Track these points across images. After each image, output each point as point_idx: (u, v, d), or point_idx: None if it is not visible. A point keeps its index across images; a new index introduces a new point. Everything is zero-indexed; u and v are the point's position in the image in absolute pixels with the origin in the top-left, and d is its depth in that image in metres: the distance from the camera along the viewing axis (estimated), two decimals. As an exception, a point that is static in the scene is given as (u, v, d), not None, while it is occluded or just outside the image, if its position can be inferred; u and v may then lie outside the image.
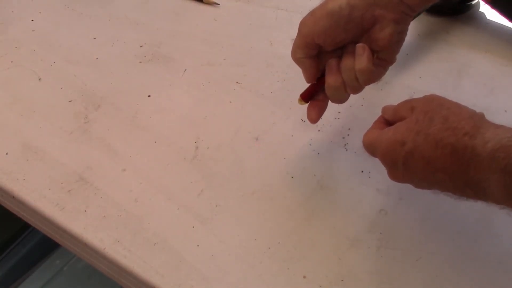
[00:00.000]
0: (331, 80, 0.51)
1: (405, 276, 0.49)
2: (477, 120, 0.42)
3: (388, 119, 0.49)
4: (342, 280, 0.49)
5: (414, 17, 0.53)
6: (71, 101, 0.64)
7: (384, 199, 0.54)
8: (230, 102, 0.64)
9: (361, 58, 0.50)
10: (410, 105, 0.46)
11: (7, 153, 0.59)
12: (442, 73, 0.66)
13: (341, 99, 0.53)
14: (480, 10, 0.74)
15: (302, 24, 0.51)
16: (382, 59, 0.52)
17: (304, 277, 0.49)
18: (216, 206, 0.54)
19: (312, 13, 0.51)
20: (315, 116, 0.54)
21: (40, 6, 0.76)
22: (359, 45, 0.50)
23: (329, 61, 0.51)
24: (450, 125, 0.42)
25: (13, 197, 0.56)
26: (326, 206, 0.54)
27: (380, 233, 0.52)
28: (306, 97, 0.53)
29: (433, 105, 0.44)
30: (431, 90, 0.63)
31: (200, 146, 0.59)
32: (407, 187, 0.55)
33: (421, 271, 0.49)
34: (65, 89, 0.65)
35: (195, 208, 0.54)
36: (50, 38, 0.72)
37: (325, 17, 0.49)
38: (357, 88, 0.51)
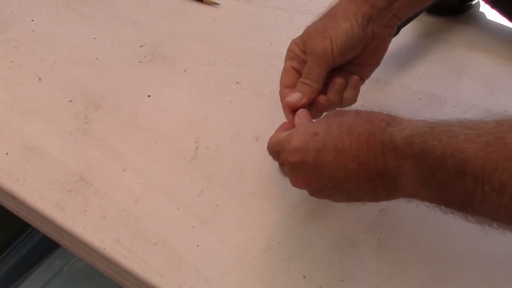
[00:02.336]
0: (324, 99, 0.51)
1: (405, 276, 0.49)
2: (391, 115, 0.41)
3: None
4: (342, 280, 0.49)
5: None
6: (71, 101, 0.64)
7: (384, 199, 0.54)
8: (230, 102, 0.64)
9: (353, 90, 0.50)
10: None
11: (7, 153, 0.59)
12: (442, 73, 0.66)
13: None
14: (480, 10, 0.74)
15: (317, 44, 0.49)
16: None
17: (304, 277, 0.49)
18: (216, 206, 0.54)
19: (322, 33, 0.49)
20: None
21: (40, 6, 0.76)
22: (354, 77, 0.51)
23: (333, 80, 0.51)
24: (364, 117, 0.41)
25: (13, 197, 0.56)
26: (326, 206, 0.54)
27: (380, 233, 0.52)
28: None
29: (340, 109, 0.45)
30: (431, 90, 0.64)
31: (200, 146, 0.59)
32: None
33: (421, 271, 0.49)
34: (65, 89, 0.65)
35: (195, 208, 0.54)
36: (50, 38, 0.72)
37: (340, 36, 0.48)
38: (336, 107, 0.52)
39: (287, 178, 0.47)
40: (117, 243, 0.51)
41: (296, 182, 0.45)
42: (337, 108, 0.50)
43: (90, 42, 0.72)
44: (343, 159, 0.41)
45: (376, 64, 0.53)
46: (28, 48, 0.71)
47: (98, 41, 0.72)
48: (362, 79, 0.53)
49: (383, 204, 0.54)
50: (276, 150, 0.47)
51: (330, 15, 0.51)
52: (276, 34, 0.72)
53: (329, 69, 0.50)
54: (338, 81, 0.50)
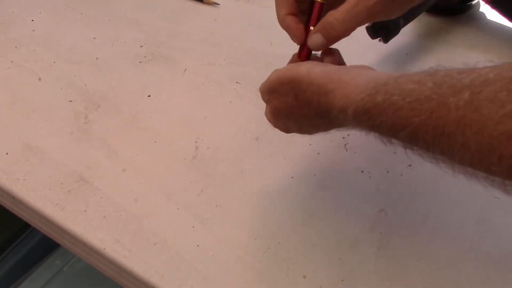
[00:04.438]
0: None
1: (405, 276, 0.49)
2: (326, 80, 0.42)
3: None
4: (342, 280, 0.49)
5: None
6: (71, 101, 0.64)
7: (384, 199, 0.54)
8: (230, 102, 0.64)
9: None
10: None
11: (7, 153, 0.59)
12: (442, 73, 0.66)
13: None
14: (480, 10, 0.74)
15: None
16: None
17: (304, 277, 0.49)
18: (216, 206, 0.54)
19: None
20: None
21: (40, 6, 0.76)
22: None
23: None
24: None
25: (13, 197, 0.56)
26: (326, 206, 0.54)
27: (380, 233, 0.52)
28: (304, 56, 0.49)
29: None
30: (431, 90, 0.64)
31: (200, 146, 0.59)
32: (407, 187, 0.55)
33: (421, 271, 0.49)
34: (65, 89, 0.65)
35: (195, 208, 0.54)
36: (50, 38, 0.72)
37: None
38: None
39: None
40: (117, 243, 0.51)
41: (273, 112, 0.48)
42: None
43: (90, 42, 0.72)
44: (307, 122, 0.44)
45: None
46: (28, 48, 0.71)
47: (98, 41, 0.72)
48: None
49: (383, 204, 0.54)
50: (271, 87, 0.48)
51: None
52: (276, 34, 0.71)
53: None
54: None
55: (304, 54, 0.49)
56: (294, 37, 0.50)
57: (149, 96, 0.64)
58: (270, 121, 0.49)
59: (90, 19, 0.75)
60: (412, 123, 0.34)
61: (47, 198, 0.55)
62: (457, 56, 0.68)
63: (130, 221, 0.53)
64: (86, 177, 0.56)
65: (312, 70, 0.43)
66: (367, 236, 0.51)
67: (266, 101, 0.49)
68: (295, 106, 0.44)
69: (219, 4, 0.76)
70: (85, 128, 0.61)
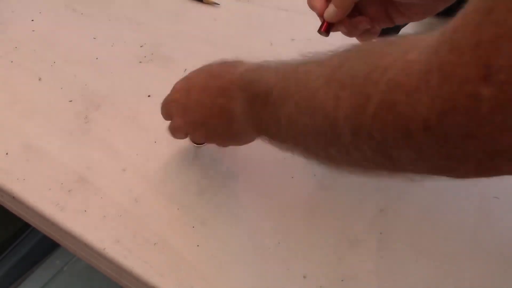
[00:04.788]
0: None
1: (405, 276, 0.49)
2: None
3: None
4: (342, 280, 0.49)
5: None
6: (71, 101, 0.64)
7: (384, 199, 0.54)
8: (230, 102, 0.63)
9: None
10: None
11: (7, 153, 0.59)
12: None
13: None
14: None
15: None
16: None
17: (304, 277, 0.49)
18: (216, 206, 0.54)
19: None
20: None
21: (40, 6, 0.76)
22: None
23: None
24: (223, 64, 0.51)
25: (13, 197, 0.56)
26: (326, 206, 0.54)
27: (380, 233, 0.52)
28: (324, 29, 0.51)
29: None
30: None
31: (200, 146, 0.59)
32: (407, 187, 0.55)
33: (421, 270, 0.49)
34: (65, 89, 0.65)
35: (195, 208, 0.54)
36: (50, 38, 0.72)
37: None
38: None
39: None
40: (117, 243, 0.51)
41: (174, 118, 0.53)
42: None
43: (90, 42, 0.72)
44: (205, 97, 0.49)
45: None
46: (28, 48, 0.71)
47: (98, 41, 0.72)
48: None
49: (383, 204, 0.54)
50: (166, 111, 0.55)
51: None
52: (276, 34, 0.72)
53: None
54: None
55: (324, 27, 0.51)
56: (313, 8, 0.51)
57: (149, 96, 0.64)
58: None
59: (90, 19, 0.75)
60: (269, 82, 0.41)
61: (47, 198, 0.55)
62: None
63: (130, 221, 0.53)
64: (86, 177, 0.56)
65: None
66: (367, 236, 0.51)
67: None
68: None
69: (219, 4, 0.76)
70: (85, 128, 0.61)
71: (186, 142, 0.59)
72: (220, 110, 0.48)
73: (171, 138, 0.60)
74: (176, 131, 0.54)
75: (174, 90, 0.53)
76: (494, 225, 0.52)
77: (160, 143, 0.60)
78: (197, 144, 0.57)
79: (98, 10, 0.76)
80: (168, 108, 0.53)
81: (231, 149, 0.59)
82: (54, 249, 1.09)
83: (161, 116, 0.62)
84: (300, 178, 0.56)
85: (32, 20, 0.74)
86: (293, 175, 0.56)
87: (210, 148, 0.59)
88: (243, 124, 0.46)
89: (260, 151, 0.58)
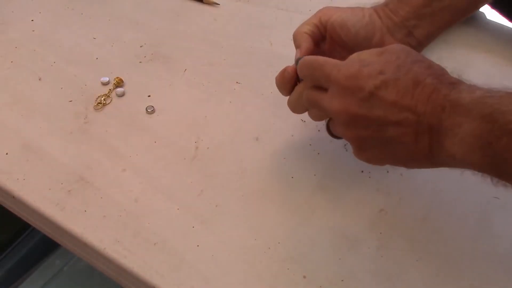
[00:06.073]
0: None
1: (405, 276, 0.49)
2: (454, 75, 0.41)
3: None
4: (342, 280, 0.49)
5: None
6: (71, 101, 0.64)
7: (384, 199, 0.54)
8: (230, 102, 0.64)
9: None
10: (378, 51, 0.43)
11: (7, 153, 0.59)
12: (442, 73, 0.66)
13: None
14: (480, 10, 0.74)
15: (323, 9, 0.52)
16: None
17: (304, 277, 0.49)
18: (216, 206, 0.54)
19: (336, 6, 0.52)
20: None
21: (40, 6, 0.76)
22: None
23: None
24: (435, 71, 0.40)
25: (13, 197, 0.56)
26: (326, 206, 0.54)
27: (380, 233, 0.52)
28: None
29: (406, 51, 0.42)
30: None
31: (200, 146, 0.59)
32: (407, 187, 0.55)
33: (421, 271, 0.49)
34: (65, 89, 0.65)
35: (195, 208, 0.54)
36: (50, 38, 0.72)
37: (348, 12, 0.51)
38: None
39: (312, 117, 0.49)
40: (117, 243, 0.51)
41: (341, 105, 0.42)
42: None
43: (90, 42, 0.72)
44: (401, 104, 0.40)
45: None
46: (28, 48, 0.71)
47: (98, 41, 0.72)
48: None
49: (383, 204, 0.54)
50: (317, 74, 0.44)
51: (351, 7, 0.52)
52: (276, 34, 0.72)
53: (323, 30, 0.51)
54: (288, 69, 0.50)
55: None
56: (303, 47, 0.51)
57: (149, 96, 0.64)
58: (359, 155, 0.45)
59: (90, 19, 0.75)
60: None
61: (47, 198, 0.55)
62: (457, 56, 0.68)
63: (130, 221, 0.53)
64: (86, 177, 0.56)
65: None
66: (367, 236, 0.51)
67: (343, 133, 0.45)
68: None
69: (219, 4, 0.76)
70: (85, 128, 0.61)
71: (184, 142, 0.59)
72: (410, 125, 0.40)
73: (170, 138, 0.60)
74: (334, 131, 0.46)
75: (354, 70, 0.41)
76: (494, 225, 0.52)
77: (160, 143, 0.60)
78: (337, 137, 0.50)
79: (98, 10, 0.76)
80: (337, 81, 0.42)
81: (231, 149, 0.59)
82: (54, 249, 1.10)
83: (161, 116, 0.62)
84: (300, 178, 0.56)
85: (32, 20, 0.74)
86: (293, 175, 0.56)
87: (210, 148, 0.59)
88: (442, 150, 0.39)
89: (260, 151, 0.59)
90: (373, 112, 0.41)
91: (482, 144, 0.36)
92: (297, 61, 0.49)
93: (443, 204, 0.53)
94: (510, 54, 0.67)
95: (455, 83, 0.40)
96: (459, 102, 0.38)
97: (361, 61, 0.42)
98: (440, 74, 0.41)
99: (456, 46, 0.69)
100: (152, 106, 0.62)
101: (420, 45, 0.51)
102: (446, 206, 0.53)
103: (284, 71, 0.50)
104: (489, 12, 0.73)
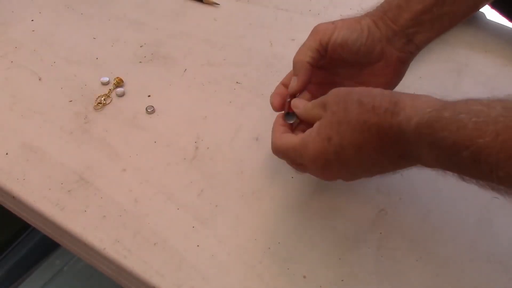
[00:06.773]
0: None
1: (405, 276, 0.49)
2: (389, 94, 0.42)
3: (300, 116, 0.49)
4: (342, 280, 0.49)
5: None
6: (71, 101, 0.64)
7: (384, 199, 0.54)
8: (230, 102, 0.64)
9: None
10: (320, 103, 0.46)
11: (7, 153, 0.59)
12: (442, 73, 0.66)
13: None
14: (480, 10, 0.74)
15: (320, 28, 0.51)
16: None
17: (304, 277, 0.49)
18: (216, 206, 0.54)
19: (332, 22, 0.51)
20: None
21: (40, 6, 0.76)
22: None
23: None
24: (367, 106, 0.42)
25: (13, 197, 0.56)
26: (326, 206, 0.54)
27: (380, 233, 0.52)
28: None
29: (342, 95, 0.44)
30: (431, 90, 0.64)
31: (200, 146, 0.59)
32: (407, 187, 0.55)
33: (421, 271, 0.49)
34: (65, 89, 0.65)
35: (195, 208, 0.54)
36: (50, 38, 0.72)
37: (346, 29, 0.50)
38: None
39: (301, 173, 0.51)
40: (117, 243, 0.51)
41: (327, 177, 0.48)
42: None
43: (90, 42, 0.72)
44: (364, 153, 0.42)
45: (384, 85, 0.51)
46: (28, 48, 0.71)
47: (98, 41, 0.72)
48: None
49: (383, 204, 0.54)
50: (292, 155, 0.48)
51: (348, 18, 0.52)
52: (276, 34, 0.72)
53: (324, 54, 0.51)
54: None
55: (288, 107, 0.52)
56: (301, 78, 0.52)
57: (149, 96, 0.64)
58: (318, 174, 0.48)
59: (90, 19, 0.75)
60: (475, 143, 0.34)
61: (47, 198, 0.55)
62: (457, 56, 0.68)
63: (130, 221, 0.53)
64: (86, 177, 0.56)
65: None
66: (367, 236, 0.51)
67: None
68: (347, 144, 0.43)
69: (219, 4, 0.76)
70: (85, 128, 0.61)
71: (184, 142, 0.59)
72: (396, 167, 0.43)
73: (170, 138, 0.60)
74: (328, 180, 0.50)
75: (313, 151, 0.45)
76: (494, 225, 0.52)
77: (160, 143, 0.60)
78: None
79: (98, 10, 0.76)
80: (310, 166, 0.47)
81: (231, 149, 0.59)
82: (54, 249, 1.10)
83: (161, 116, 0.62)
84: (300, 178, 0.56)
85: (32, 20, 0.74)
86: (293, 175, 0.56)
87: (210, 148, 0.59)
88: (419, 162, 0.41)
89: (260, 151, 0.59)
90: (351, 166, 0.45)
91: (440, 162, 0.39)
92: (289, 95, 0.52)
93: (443, 204, 0.53)
94: (510, 54, 0.67)
95: (392, 111, 0.41)
96: (405, 135, 0.40)
97: (315, 130, 0.45)
98: (372, 106, 0.42)
99: (456, 46, 0.69)
100: (152, 106, 0.62)
101: (418, 49, 0.52)
102: (446, 206, 0.53)
103: (272, 103, 0.53)
104: (489, 12, 0.73)
